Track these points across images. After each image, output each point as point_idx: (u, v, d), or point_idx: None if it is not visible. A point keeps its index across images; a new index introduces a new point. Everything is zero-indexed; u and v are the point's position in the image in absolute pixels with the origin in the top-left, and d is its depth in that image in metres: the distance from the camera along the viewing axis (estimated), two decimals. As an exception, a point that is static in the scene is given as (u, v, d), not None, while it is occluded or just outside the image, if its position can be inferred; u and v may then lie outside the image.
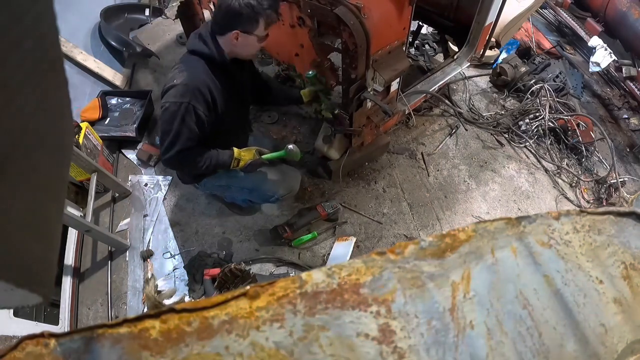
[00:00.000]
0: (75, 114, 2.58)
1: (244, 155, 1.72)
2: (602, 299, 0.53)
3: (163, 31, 3.60)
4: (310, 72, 1.86)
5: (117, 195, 2.40)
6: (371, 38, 1.54)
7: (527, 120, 2.87)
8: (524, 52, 3.49)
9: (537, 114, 2.85)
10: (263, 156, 1.80)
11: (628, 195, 2.50)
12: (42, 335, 0.39)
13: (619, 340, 0.52)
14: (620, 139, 3.12)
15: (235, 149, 1.70)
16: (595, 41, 3.21)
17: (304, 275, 0.45)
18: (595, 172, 2.74)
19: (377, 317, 0.44)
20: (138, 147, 2.61)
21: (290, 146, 1.79)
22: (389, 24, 1.70)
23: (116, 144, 2.67)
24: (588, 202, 2.61)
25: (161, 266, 2.11)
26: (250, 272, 1.75)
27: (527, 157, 2.78)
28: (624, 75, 3.18)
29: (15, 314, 1.67)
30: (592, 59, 3.18)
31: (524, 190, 2.58)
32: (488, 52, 2.75)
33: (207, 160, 1.63)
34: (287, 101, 2.17)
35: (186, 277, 2.04)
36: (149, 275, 2.05)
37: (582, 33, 3.55)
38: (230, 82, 1.63)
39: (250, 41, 1.51)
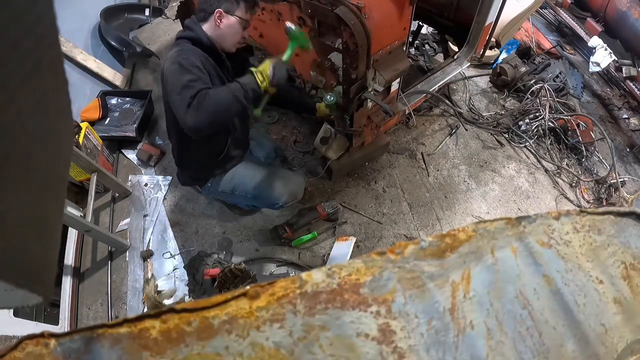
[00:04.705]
0: (75, 114, 2.58)
1: (263, 68, 1.47)
2: (602, 299, 0.53)
3: (163, 31, 3.60)
4: (330, 97, 1.79)
5: (117, 195, 2.40)
6: (372, 38, 1.54)
7: (527, 120, 2.87)
8: (524, 52, 3.48)
9: (537, 114, 2.85)
10: (283, 58, 1.54)
11: (628, 195, 2.50)
12: (42, 335, 0.39)
13: (618, 340, 0.52)
14: (620, 139, 3.12)
15: (251, 69, 1.49)
16: (595, 41, 3.21)
17: (304, 275, 0.45)
18: (595, 172, 2.74)
19: (377, 317, 0.44)
20: (138, 147, 2.61)
21: (288, 24, 1.50)
22: (389, 24, 1.70)
23: (116, 144, 2.67)
24: (588, 202, 2.61)
25: (161, 266, 2.11)
26: (250, 272, 1.76)
27: (527, 157, 2.78)
28: (624, 75, 3.18)
29: (15, 314, 1.67)
30: (592, 59, 3.19)
31: (524, 190, 2.57)
32: (488, 52, 2.75)
33: (232, 93, 1.40)
34: (298, 107, 2.13)
35: (186, 277, 2.04)
36: (149, 275, 2.05)
37: (582, 33, 3.55)
38: (221, 68, 1.61)
39: (233, 24, 1.53)
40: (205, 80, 1.42)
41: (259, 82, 1.43)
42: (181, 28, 2.75)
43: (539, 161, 2.75)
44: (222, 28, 1.54)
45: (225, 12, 1.51)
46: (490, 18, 2.32)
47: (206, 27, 1.55)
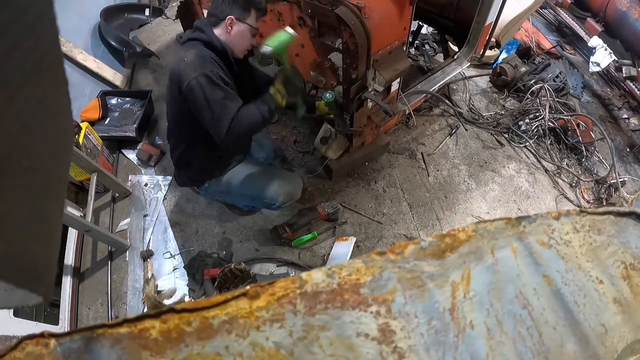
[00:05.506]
0: (75, 114, 2.58)
1: (277, 87, 1.59)
2: (602, 299, 0.53)
3: (163, 31, 3.60)
4: (328, 95, 1.82)
5: (117, 195, 2.40)
6: (372, 38, 1.54)
7: (527, 120, 2.87)
8: (524, 52, 3.48)
9: (537, 114, 2.85)
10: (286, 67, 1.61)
11: (628, 195, 2.50)
12: (42, 335, 0.39)
13: (619, 340, 0.52)
14: (620, 139, 3.12)
15: (270, 91, 1.60)
16: (595, 41, 3.21)
17: (304, 275, 0.45)
18: (595, 172, 2.74)
19: (377, 317, 0.44)
20: (138, 147, 2.61)
21: (289, 29, 1.52)
22: (389, 24, 1.70)
23: (116, 144, 2.67)
24: (588, 202, 2.61)
25: (161, 266, 2.11)
26: (250, 272, 1.75)
27: (527, 157, 2.78)
28: (624, 75, 3.18)
29: (15, 314, 1.67)
30: (592, 59, 3.19)
31: (524, 190, 2.57)
32: (488, 52, 2.75)
33: (262, 114, 1.53)
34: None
35: (186, 277, 2.04)
36: (149, 275, 2.05)
37: (582, 33, 3.55)
38: (230, 71, 1.62)
39: (243, 31, 1.55)
40: (234, 94, 1.51)
41: (279, 101, 1.59)
42: (181, 28, 2.77)
43: (539, 161, 2.75)
44: (233, 35, 1.55)
45: (237, 20, 1.52)
46: (490, 18, 2.32)
47: (217, 32, 1.55)
